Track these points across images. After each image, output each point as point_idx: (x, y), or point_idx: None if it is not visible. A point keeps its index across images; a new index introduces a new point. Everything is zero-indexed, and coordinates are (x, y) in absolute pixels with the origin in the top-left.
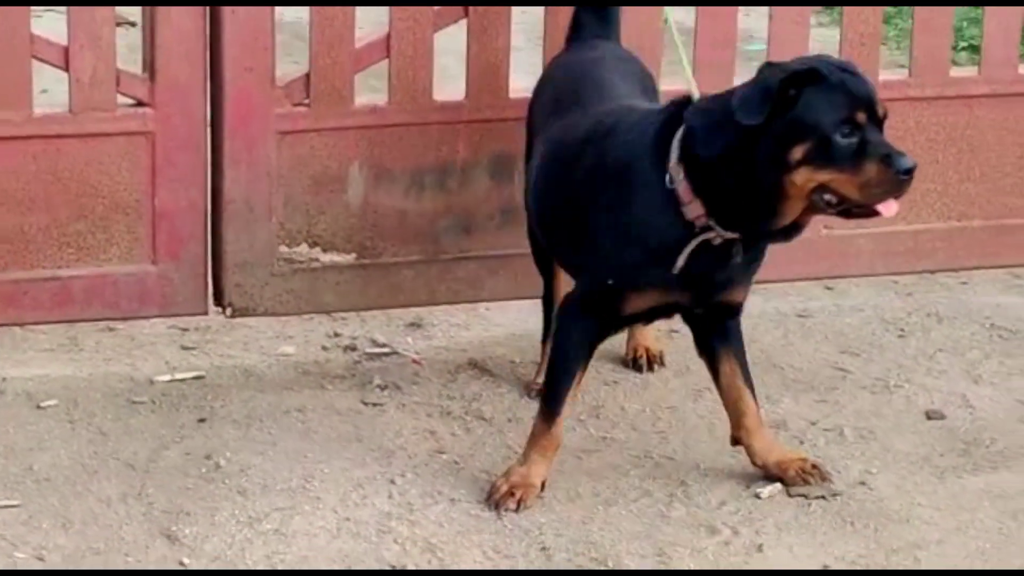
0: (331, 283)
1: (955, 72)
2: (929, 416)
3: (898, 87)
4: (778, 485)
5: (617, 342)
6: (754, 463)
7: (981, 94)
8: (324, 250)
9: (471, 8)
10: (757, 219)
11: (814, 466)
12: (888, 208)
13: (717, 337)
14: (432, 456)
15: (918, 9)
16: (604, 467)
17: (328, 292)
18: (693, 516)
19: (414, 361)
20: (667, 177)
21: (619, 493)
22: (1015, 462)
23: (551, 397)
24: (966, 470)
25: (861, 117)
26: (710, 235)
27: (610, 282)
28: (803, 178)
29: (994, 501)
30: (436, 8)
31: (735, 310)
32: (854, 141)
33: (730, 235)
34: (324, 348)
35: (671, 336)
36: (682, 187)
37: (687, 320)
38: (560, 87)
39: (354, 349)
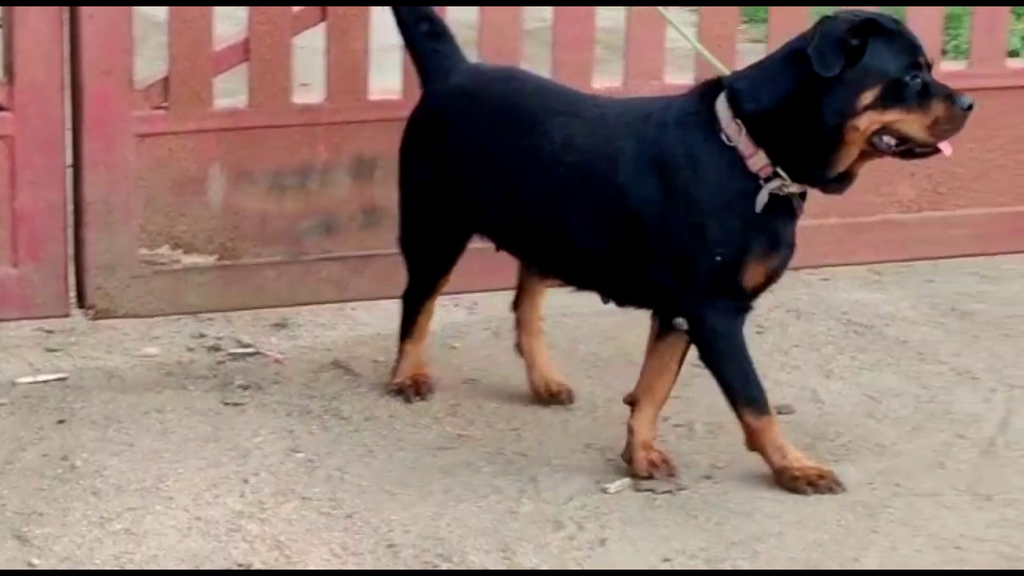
0: (193, 284)
1: None
2: (779, 411)
3: None
4: (627, 480)
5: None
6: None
7: None
8: (186, 252)
9: (329, 10)
10: (818, 165)
11: (663, 460)
12: (947, 146)
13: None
14: (288, 455)
15: None
16: (457, 464)
17: (190, 293)
18: (541, 511)
19: (277, 361)
20: (723, 136)
21: (470, 489)
22: (858, 455)
23: (757, 397)
24: None
25: (922, 61)
26: (776, 184)
27: (718, 257)
28: (867, 121)
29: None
30: (295, 11)
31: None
32: (919, 83)
33: (794, 187)
34: (189, 349)
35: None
36: (743, 142)
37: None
38: (506, 112)
39: (219, 349)
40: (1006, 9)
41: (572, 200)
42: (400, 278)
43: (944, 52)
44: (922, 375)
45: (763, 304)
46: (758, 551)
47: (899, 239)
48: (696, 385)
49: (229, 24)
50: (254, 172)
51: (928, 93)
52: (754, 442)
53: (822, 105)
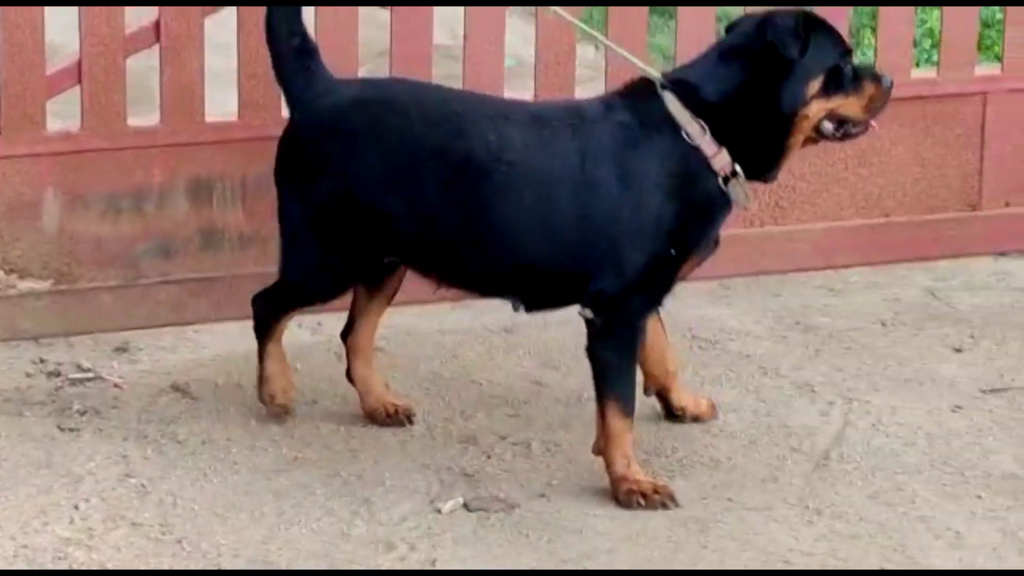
0: (29, 309)
1: None
2: None
3: None
4: (460, 499)
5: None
6: (672, 409)
7: None
8: (21, 277)
9: (163, 32)
10: (769, 159)
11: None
12: (875, 122)
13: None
14: (120, 480)
15: None
16: (292, 487)
17: (27, 318)
18: (373, 533)
19: (116, 385)
20: (684, 135)
21: (303, 512)
22: (691, 471)
23: (630, 400)
24: None
25: (848, 47)
26: (737, 182)
27: (673, 251)
28: (816, 109)
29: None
30: (127, 33)
31: None
32: (851, 68)
33: (746, 184)
34: (28, 375)
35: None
36: (706, 142)
37: None
38: (428, 121)
39: (58, 375)
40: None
41: (514, 203)
42: (238, 300)
43: None
44: (761, 389)
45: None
46: (588, 568)
47: (743, 254)
48: (534, 403)
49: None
50: (89, 196)
51: (859, 76)
52: (606, 444)
53: (777, 98)
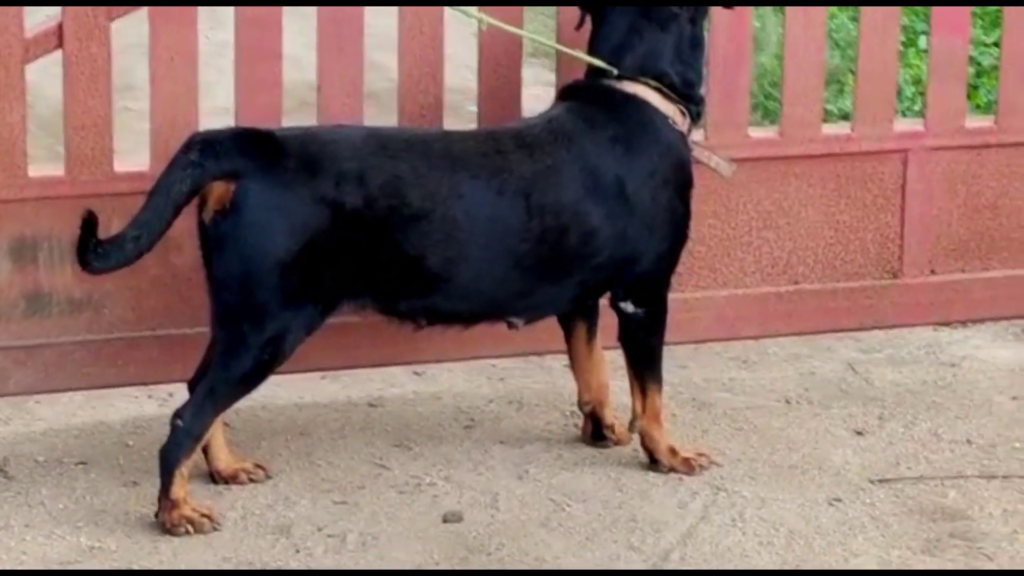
0: None
1: None
2: (446, 519)
3: None
4: None
5: None
6: (603, 426)
7: None
8: None
9: None
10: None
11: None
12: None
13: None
14: None
15: None
16: None
17: None
18: None
19: None
20: (671, 122)
21: None
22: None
23: (660, 372)
24: None
25: None
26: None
27: (688, 232)
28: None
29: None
30: None
31: None
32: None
33: None
34: None
35: None
36: (687, 126)
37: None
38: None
39: None
40: (747, 75)
41: (529, 227)
42: (66, 369)
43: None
44: (624, 476)
45: (486, 395)
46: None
47: None
48: (368, 489)
49: None
50: None
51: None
52: (650, 421)
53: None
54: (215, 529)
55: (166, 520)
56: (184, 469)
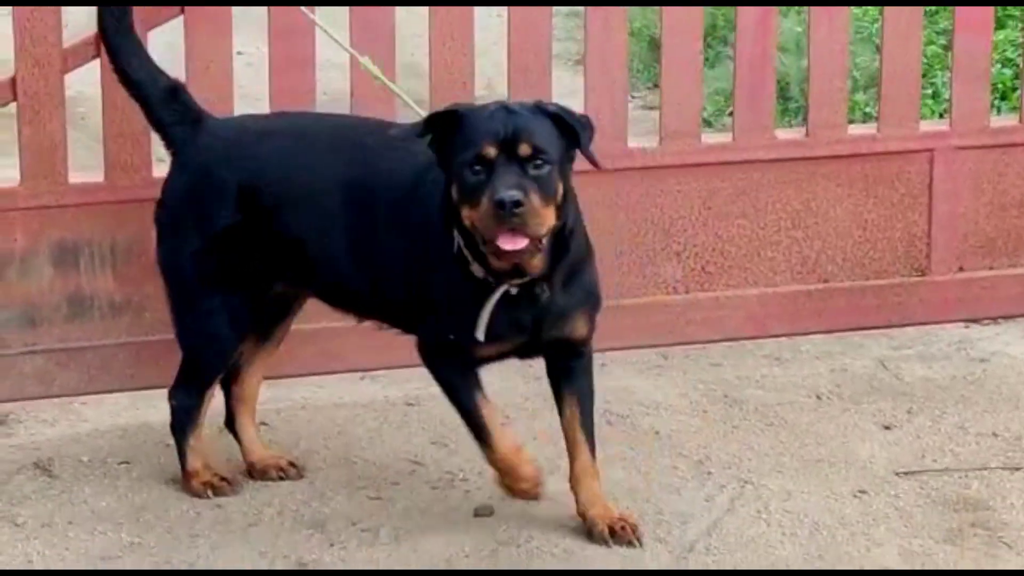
0: None
1: None
2: (477, 513)
3: None
4: None
5: None
6: (577, 512)
7: None
8: None
9: (20, 90)
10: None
11: (624, 525)
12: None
13: (563, 378)
14: None
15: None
16: None
17: None
18: None
19: None
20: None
21: None
22: (540, 561)
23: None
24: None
25: (489, 152)
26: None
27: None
28: (466, 216)
29: None
30: None
31: (574, 348)
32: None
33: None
34: None
35: None
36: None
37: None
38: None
39: None
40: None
41: None
42: (110, 371)
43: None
44: (653, 471)
45: (518, 392)
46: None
47: (666, 322)
48: (403, 485)
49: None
50: None
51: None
52: None
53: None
54: (235, 493)
55: (188, 490)
56: (193, 441)
